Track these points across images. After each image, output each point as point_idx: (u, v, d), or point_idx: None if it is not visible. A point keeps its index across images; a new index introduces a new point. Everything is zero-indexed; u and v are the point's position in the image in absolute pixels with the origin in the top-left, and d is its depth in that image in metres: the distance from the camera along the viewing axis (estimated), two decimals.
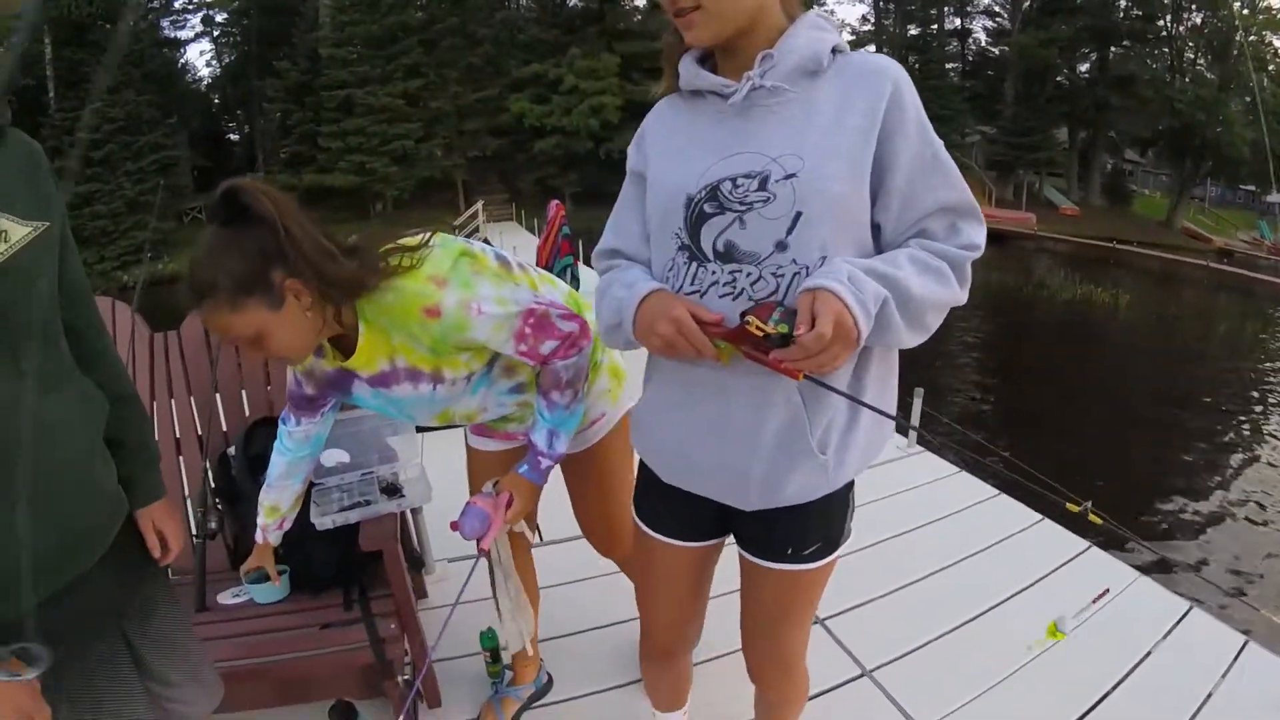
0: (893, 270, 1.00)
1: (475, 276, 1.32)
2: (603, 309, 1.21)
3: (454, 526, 1.53)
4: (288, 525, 1.78)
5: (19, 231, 1.02)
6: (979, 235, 1.09)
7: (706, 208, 1.07)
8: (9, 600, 0.96)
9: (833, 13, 34.39)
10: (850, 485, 1.24)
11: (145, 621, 1.27)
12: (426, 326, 1.31)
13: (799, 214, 1.01)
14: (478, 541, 1.52)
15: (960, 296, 1.09)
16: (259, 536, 1.77)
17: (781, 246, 1.03)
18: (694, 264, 1.09)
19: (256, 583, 1.92)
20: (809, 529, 1.20)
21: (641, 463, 1.35)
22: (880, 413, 1.06)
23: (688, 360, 1.10)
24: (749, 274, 1.05)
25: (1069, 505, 1.44)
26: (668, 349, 1.07)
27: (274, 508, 1.74)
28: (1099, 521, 1.48)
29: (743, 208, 1.04)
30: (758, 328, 0.96)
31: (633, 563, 1.46)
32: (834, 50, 1.07)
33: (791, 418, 1.09)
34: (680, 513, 1.31)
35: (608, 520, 1.86)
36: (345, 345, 1.39)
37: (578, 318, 1.44)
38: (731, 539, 1.37)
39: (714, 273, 1.07)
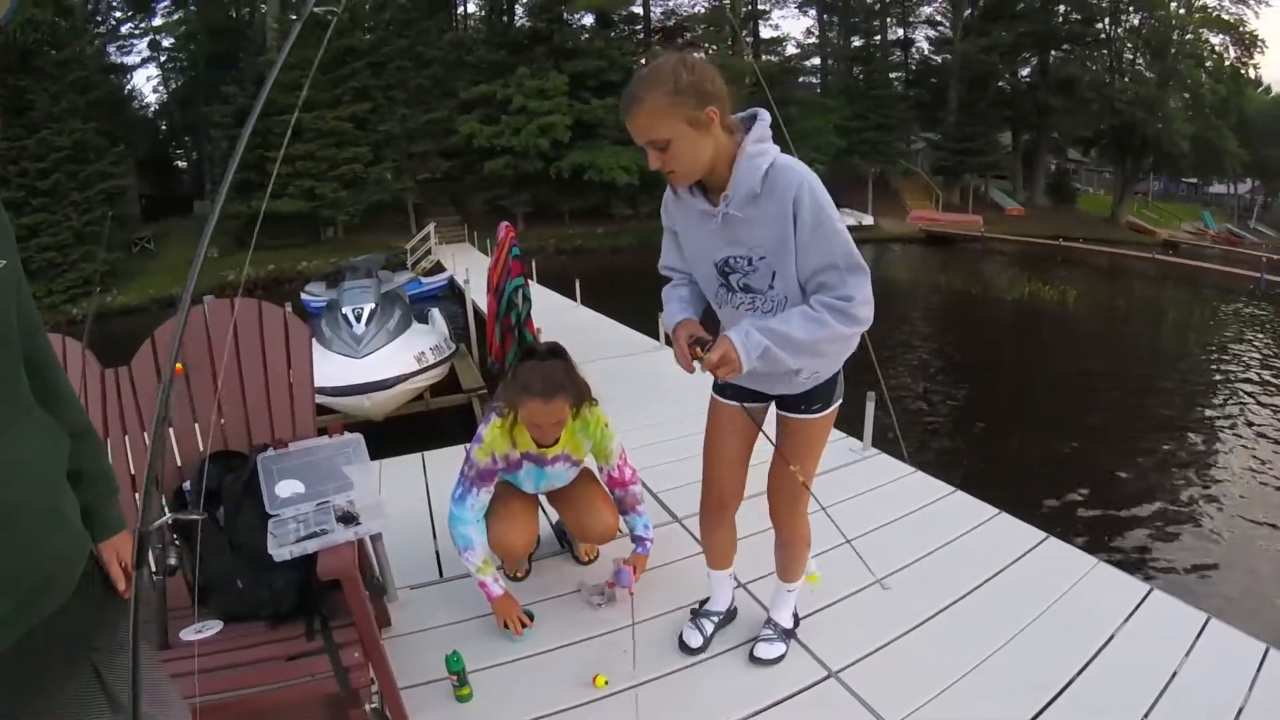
0: (780, 326, 1.73)
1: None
2: (664, 317, 2.05)
3: (610, 584, 2.70)
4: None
5: None
6: (855, 289, 1.70)
7: (726, 267, 1.85)
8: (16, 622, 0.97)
9: (778, 28, 34.90)
10: (831, 380, 2.00)
11: (114, 656, 1.25)
12: (604, 431, 2.50)
13: (774, 273, 1.77)
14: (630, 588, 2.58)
15: (845, 331, 1.73)
16: (497, 591, 2.49)
17: (770, 286, 1.80)
18: (729, 293, 1.89)
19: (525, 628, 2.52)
20: (811, 398, 2.00)
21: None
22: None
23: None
24: (758, 298, 1.84)
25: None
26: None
27: (488, 559, 2.49)
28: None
29: (749, 269, 1.80)
30: (696, 353, 1.81)
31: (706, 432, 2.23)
32: (768, 169, 1.67)
33: (784, 370, 1.83)
34: (739, 393, 2.09)
35: (593, 509, 2.75)
36: (540, 444, 2.42)
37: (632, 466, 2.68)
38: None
39: (740, 298, 1.87)
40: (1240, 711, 2.07)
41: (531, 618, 2.55)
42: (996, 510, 3.31)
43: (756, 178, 1.66)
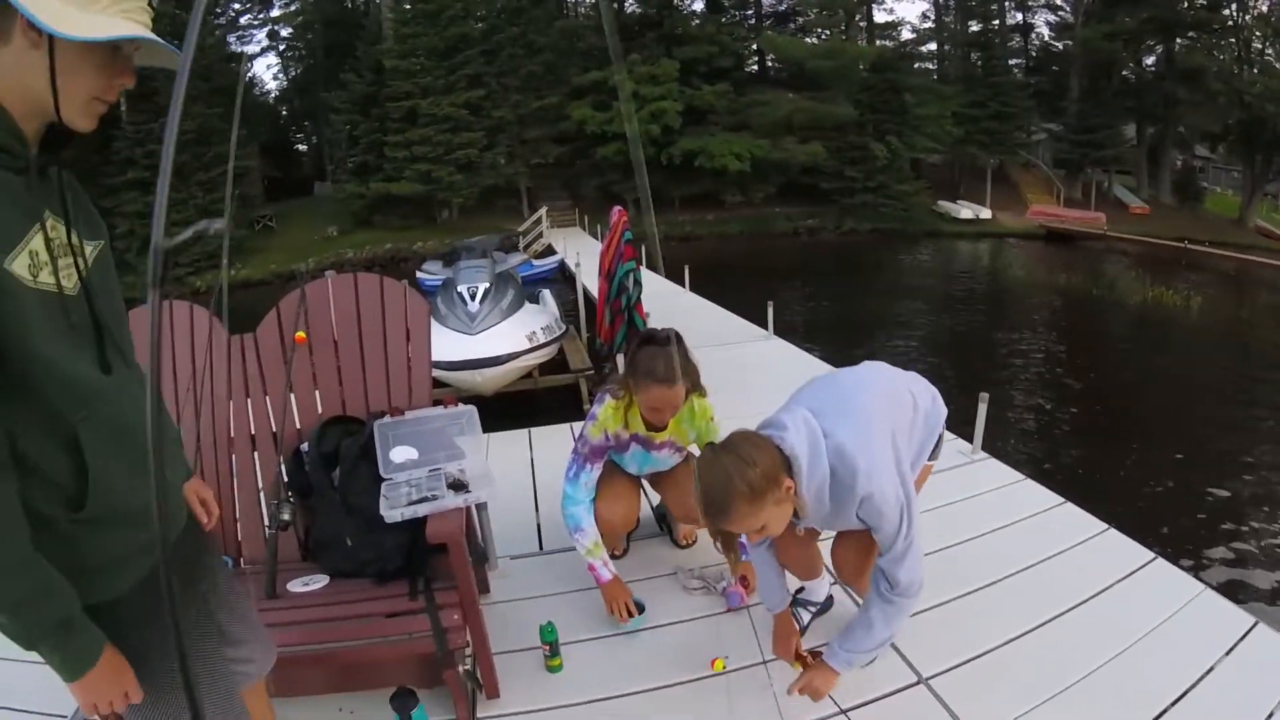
0: (869, 638, 1.91)
1: None
2: (760, 587, 2.27)
3: (729, 609, 2.61)
4: None
5: (90, 248, 1.16)
6: (902, 569, 1.86)
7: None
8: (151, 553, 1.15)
9: (892, 12, 34.09)
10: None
11: (216, 589, 1.37)
12: (709, 425, 2.56)
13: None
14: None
15: (913, 601, 1.91)
16: (607, 575, 2.50)
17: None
18: None
19: (634, 616, 2.49)
20: None
21: None
22: None
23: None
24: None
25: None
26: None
27: (599, 541, 2.51)
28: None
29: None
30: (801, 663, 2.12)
31: None
32: (829, 497, 1.82)
33: None
34: None
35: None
36: (650, 427, 2.52)
37: None
38: None
39: None
40: None
41: (641, 609, 2.53)
42: (1106, 525, 3.17)
43: (823, 513, 1.88)
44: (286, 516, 2.08)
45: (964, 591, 2.72)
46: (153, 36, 1.08)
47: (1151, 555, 2.93)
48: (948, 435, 4.06)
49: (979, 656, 2.37)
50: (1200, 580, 2.79)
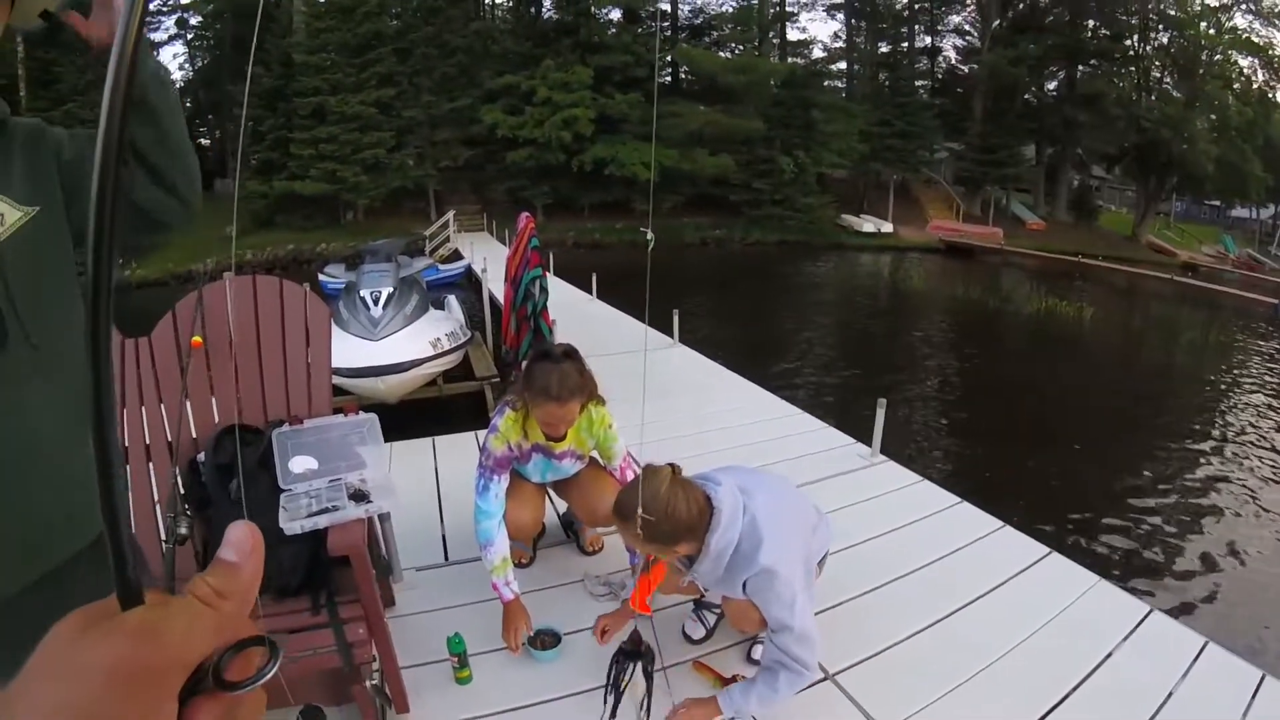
0: (768, 688, 1.94)
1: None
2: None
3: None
4: None
5: (13, 215, 1.06)
6: (804, 652, 1.91)
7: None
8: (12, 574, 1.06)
9: (805, 30, 35.05)
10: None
11: None
12: (607, 430, 2.60)
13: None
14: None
15: (812, 675, 1.96)
16: (509, 594, 2.44)
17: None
18: None
19: (547, 649, 2.42)
20: None
21: None
22: None
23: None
24: None
25: None
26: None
27: (506, 559, 2.45)
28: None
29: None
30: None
31: None
32: (727, 561, 1.94)
33: None
34: None
35: (600, 491, 2.73)
36: (549, 437, 2.52)
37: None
38: None
39: None
40: None
41: (557, 640, 2.46)
42: (1001, 523, 3.32)
43: (716, 574, 1.99)
44: (184, 530, 1.97)
45: (866, 589, 2.81)
46: None
47: (1046, 550, 3.09)
48: (847, 439, 4.25)
49: (884, 651, 2.46)
50: (1095, 572, 2.95)
